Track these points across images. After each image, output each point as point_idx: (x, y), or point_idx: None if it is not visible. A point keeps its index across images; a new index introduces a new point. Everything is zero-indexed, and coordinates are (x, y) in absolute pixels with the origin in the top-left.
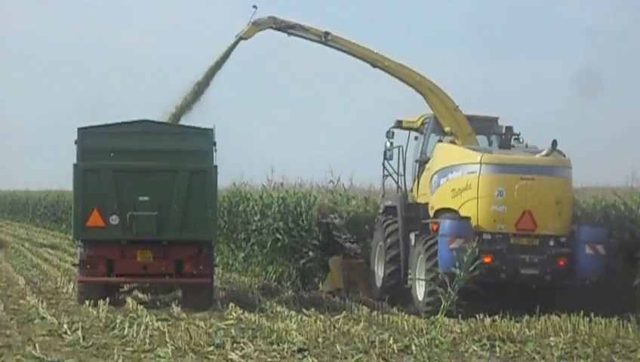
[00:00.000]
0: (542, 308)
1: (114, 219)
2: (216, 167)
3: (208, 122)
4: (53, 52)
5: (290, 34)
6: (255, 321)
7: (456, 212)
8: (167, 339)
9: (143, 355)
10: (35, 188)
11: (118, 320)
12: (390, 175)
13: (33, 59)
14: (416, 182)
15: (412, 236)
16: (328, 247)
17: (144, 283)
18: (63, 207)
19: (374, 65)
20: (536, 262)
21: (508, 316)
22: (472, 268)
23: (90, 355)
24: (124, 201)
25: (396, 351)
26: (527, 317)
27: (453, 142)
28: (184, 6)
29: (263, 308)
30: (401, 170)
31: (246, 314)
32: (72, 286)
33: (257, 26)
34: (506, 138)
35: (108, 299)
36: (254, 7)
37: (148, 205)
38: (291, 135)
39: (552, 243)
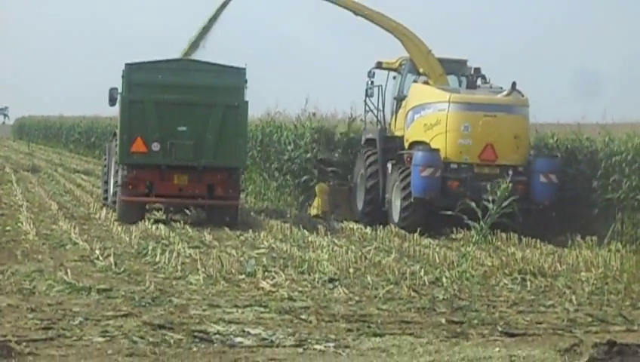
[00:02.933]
0: (503, 230)
1: (155, 146)
2: (246, 102)
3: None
4: None
5: None
6: (286, 250)
7: (427, 144)
8: (199, 267)
9: (174, 282)
10: (69, 113)
11: (150, 247)
12: (371, 110)
13: None
14: (394, 117)
15: (389, 165)
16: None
17: (179, 204)
18: (96, 133)
19: (356, 14)
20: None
21: (539, 250)
22: (505, 203)
23: (122, 281)
24: (165, 130)
25: (427, 283)
26: (558, 251)
27: (426, 83)
28: None
29: (295, 238)
30: (380, 106)
31: (278, 243)
32: (104, 212)
33: None
34: (473, 79)
35: (140, 228)
36: None
37: (186, 134)
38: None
39: (510, 172)
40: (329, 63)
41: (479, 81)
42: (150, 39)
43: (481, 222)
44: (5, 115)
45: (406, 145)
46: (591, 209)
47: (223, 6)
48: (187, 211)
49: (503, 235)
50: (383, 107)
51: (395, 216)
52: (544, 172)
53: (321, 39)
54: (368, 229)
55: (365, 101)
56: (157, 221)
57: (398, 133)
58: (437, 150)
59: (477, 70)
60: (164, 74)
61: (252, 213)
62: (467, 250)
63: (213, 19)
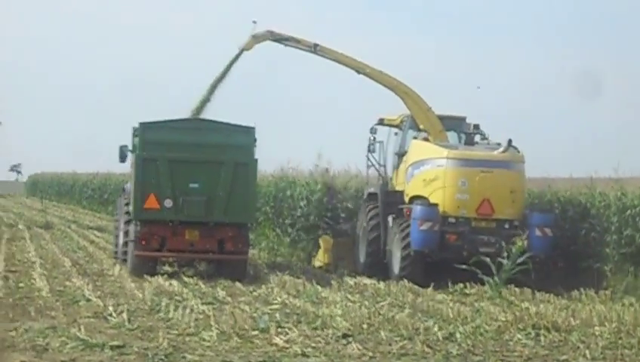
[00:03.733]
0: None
1: (168, 203)
2: (256, 160)
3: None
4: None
5: (285, 45)
6: (300, 306)
7: (426, 199)
8: (212, 323)
9: (187, 338)
10: (82, 170)
11: (163, 303)
12: (373, 165)
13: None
14: (395, 172)
15: (390, 219)
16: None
17: (191, 259)
18: (109, 190)
19: (358, 72)
20: (493, 242)
21: (553, 304)
22: (520, 259)
23: (135, 338)
24: (177, 187)
25: (441, 338)
26: (572, 305)
27: (426, 139)
28: None
29: (308, 294)
30: (382, 162)
31: (291, 298)
32: (118, 268)
33: (256, 38)
34: (471, 135)
35: (153, 284)
36: (254, 22)
37: (198, 191)
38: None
39: (507, 226)
40: (343, 119)
41: (478, 138)
42: (160, 97)
43: (495, 278)
44: (18, 172)
45: (406, 199)
46: (604, 263)
47: (232, 63)
48: (197, 265)
49: (517, 290)
50: (385, 162)
51: (396, 268)
52: (539, 226)
53: (332, 94)
54: (382, 284)
55: (367, 156)
56: (169, 275)
57: (399, 188)
58: (435, 204)
59: (476, 126)
60: (177, 133)
61: (265, 269)
62: (481, 305)
63: (221, 77)
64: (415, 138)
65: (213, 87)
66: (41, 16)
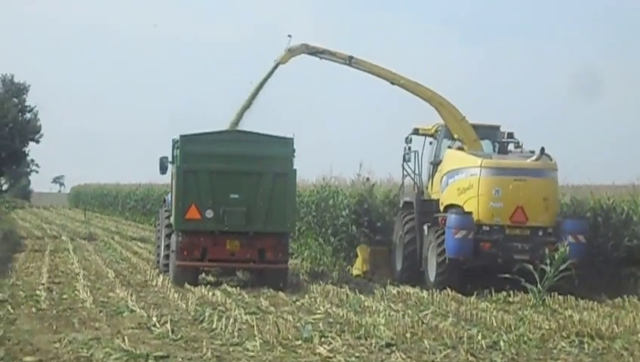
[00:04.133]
0: (517, 286)
1: (209, 213)
2: (295, 170)
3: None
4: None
5: (320, 57)
6: (343, 315)
7: (461, 207)
8: (256, 333)
9: (231, 348)
10: (125, 181)
11: (206, 314)
12: (409, 174)
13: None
14: (430, 181)
15: (425, 227)
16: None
17: (232, 268)
18: (152, 201)
19: (393, 83)
20: (527, 249)
21: (596, 312)
22: (562, 266)
23: (179, 348)
24: (218, 198)
25: (484, 347)
26: (615, 312)
27: (461, 148)
28: None
29: (351, 303)
30: (417, 171)
31: (334, 308)
32: (161, 278)
33: (292, 52)
34: (504, 144)
35: (196, 294)
36: (289, 35)
37: (238, 202)
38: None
39: (540, 233)
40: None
41: (512, 146)
42: (198, 110)
43: (539, 285)
44: (61, 184)
45: (441, 208)
46: None
47: (268, 76)
48: (238, 274)
49: (560, 298)
50: (420, 171)
51: (432, 276)
52: (572, 233)
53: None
54: (425, 293)
55: (403, 166)
56: (212, 285)
57: (434, 197)
58: (470, 213)
59: (510, 135)
60: (217, 144)
61: (307, 278)
62: (524, 314)
63: (258, 90)
64: (449, 147)
65: (251, 100)
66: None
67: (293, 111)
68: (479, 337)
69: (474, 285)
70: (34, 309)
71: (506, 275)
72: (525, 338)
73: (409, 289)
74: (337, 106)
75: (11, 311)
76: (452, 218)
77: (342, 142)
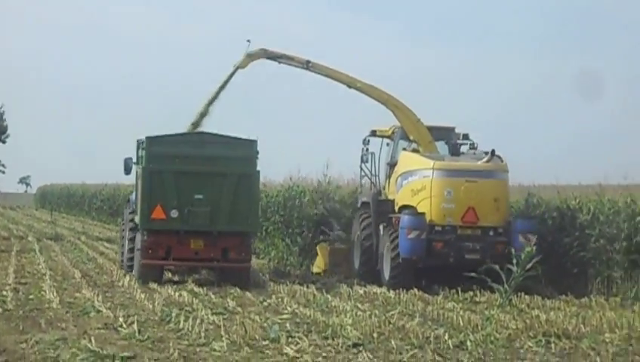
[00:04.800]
0: (483, 286)
1: (174, 213)
2: (258, 171)
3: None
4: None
5: (279, 62)
6: (310, 316)
7: (414, 208)
8: (223, 333)
9: (198, 349)
10: (91, 181)
11: (173, 314)
12: (366, 175)
13: None
14: (387, 181)
15: (381, 227)
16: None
17: (195, 267)
18: (119, 201)
19: (349, 87)
20: (478, 249)
21: (563, 312)
22: (529, 265)
23: (146, 349)
24: (183, 198)
25: (451, 346)
26: (582, 312)
27: (416, 150)
28: None
29: (318, 303)
30: (375, 172)
31: (301, 308)
32: (127, 279)
33: (251, 57)
34: (457, 146)
35: (163, 295)
36: (248, 40)
37: (202, 202)
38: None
39: (491, 233)
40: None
41: (467, 147)
42: (160, 110)
43: (505, 285)
44: (27, 184)
45: (396, 208)
46: (614, 270)
47: (227, 80)
48: (202, 272)
49: (527, 297)
50: (378, 172)
51: (386, 275)
52: (523, 232)
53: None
54: (392, 293)
55: (361, 166)
56: (176, 283)
57: (390, 197)
58: (422, 213)
59: (465, 136)
60: (182, 146)
61: (274, 278)
62: (491, 313)
63: (217, 93)
64: (404, 149)
65: (210, 103)
66: (45, 26)
67: (258, 113)
68: (446, 337)
69: (440, 284)
70: (0, 309)
71: (473, 274)
72: (492, 338)
73: (376, 289)
74: (302, 109)
75: None
76: (405, 218)
77: (309, 145)
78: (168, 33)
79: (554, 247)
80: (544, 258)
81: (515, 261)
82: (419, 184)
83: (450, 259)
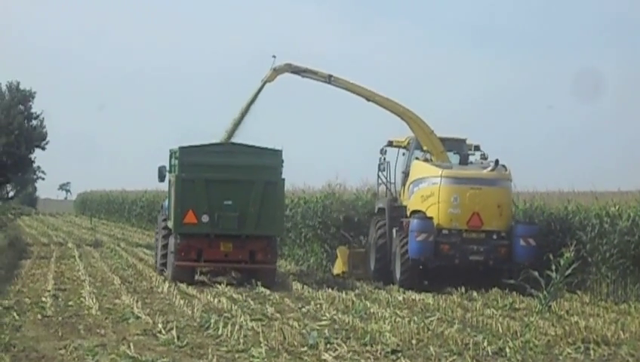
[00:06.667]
0: (488, 286)
1: (205, 218)
2: (283, 179)
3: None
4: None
5: (303, 76)
6: (349, 322)
7: (424, 213)
8: (261, 339)
9: (237, 355)
10: (131, 188)
11: (212, 320)
12: (383, 182)
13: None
14: (402, 188)
15: (394, 231)
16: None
17: (225, 268)
18: (158, 207)
19: (368, 100)
20: (482, 251)
21: (602, 318)
22: (567, 272)
23: (185, 355)
24: (213, 204)
25: (490, 353)
26: (621, 319)
27: (427, 160)
28: None
29: (357, 309)
30: (391, 179)
31: (340, 314)
32: (167, 285)
33: (277, 71)
34: (466, 156)
35: (202, 301)
36: (274, 56)
37: (231, 207)
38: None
39: (494, 236)
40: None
41: (478, 157)
42: (198, 121)
43: (545, 292)
44: (67, 191)
45: (408, 213)
46: None
47: (256, 94)
48: (232, 274)
49: (566, 304)
50: (393, 180)
51: (398, 275)
52: (524, 236)
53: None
54: (431, 299)
55: (378, 175)
56: (210, 286)
57: (405, 203)
58: (431, 218)
59: (477, 147)
60: (212, 155)
61: (313, 285)
62: (530, 320)
63: (248, 106)
64: (417, 158)
65: (242, 115)
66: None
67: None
68: (485, 343)
69: (443, 284)
70: (39, 316)
71: (511, 281)
72: (531, 345)
73: (415, 295)
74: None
75: (17, 317)
76: (414, 222)
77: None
78: (209, 44)
79: (593, 254)
80: (582, 264)
81: (554, 267)
82: (428, 190)
83: (455, 260)
